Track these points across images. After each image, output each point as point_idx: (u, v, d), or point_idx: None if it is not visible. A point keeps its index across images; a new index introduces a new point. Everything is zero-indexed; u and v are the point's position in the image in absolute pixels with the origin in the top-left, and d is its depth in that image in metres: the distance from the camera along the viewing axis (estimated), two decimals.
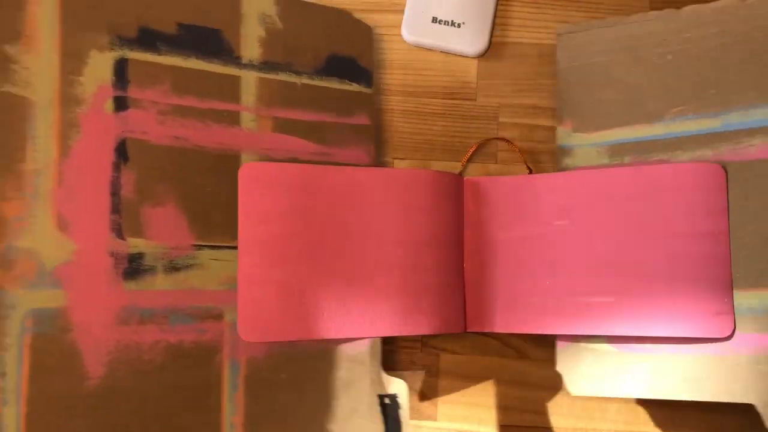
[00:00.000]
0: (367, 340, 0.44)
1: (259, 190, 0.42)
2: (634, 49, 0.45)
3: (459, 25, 0.50)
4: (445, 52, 0.51)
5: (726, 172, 0.41)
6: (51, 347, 0.37)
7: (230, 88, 0.43)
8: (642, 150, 0.44)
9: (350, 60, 0.47)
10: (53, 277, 0.37)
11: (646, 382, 0.42)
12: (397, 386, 0.44)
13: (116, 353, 0.38)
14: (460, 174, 0.48)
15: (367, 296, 0.43)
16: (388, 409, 0.44)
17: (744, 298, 0.40)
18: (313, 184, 0.43)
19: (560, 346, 0.44)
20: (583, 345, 0.44)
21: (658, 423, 0.46)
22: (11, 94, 0.37)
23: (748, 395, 0.39)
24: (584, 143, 0.46)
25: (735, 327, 0.40)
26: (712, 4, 0.44)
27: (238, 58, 0.43)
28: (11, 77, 0.37)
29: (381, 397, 0.44)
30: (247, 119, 0.43)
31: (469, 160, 0.48)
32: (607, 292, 0.42)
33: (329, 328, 0.42)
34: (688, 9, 0.44)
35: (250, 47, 0.44)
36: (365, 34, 0.48)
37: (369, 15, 0.49)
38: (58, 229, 0.37)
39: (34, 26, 0.38)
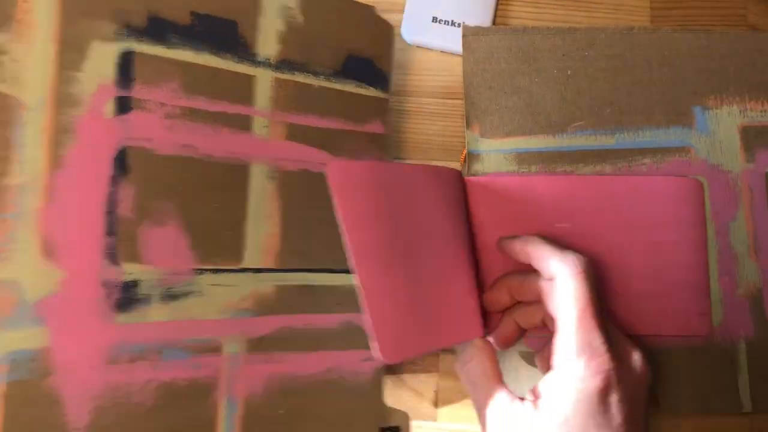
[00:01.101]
0: (369, 369, 0.41)
1: (354, 191, 0.36)
2: (537, 60, 0.45)
3: (459, 25, 0.48)
4: (445, 52, 0.49)
5: (704, 187, 0.44)
6: (28, 396, 0.31)
7: (244, 89, 0.37)
8: (548, 160, 0.44)
9: (368, 61, 0.42)
10: (35, 312, 0.31)
11: None
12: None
13: (103, 398, 0.33)
14: (460, 174, 0.45)
15: (450, 300, 0.40)
16: None
17: None
18: (394, 183, 0.38)
19: None
20: None
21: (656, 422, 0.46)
22: None
23: None
24: (491, 149, 0.45)
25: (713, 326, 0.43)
26: (604, 28, 0.45)
27: (254, 54, 0.37)
28: None
29: (383, 429, 0.41)
30: (260, 125, 0.38)
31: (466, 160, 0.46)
32: (604, 295, 0.43)
33: (441, 338, 0.38)
34: (584, 29, 0.46)
35: (268, 43, 0.38)
36: (386, 33, 0.43)
37: None
38: (44, 256, 0.31)
39: (28, 9, 0.30)
